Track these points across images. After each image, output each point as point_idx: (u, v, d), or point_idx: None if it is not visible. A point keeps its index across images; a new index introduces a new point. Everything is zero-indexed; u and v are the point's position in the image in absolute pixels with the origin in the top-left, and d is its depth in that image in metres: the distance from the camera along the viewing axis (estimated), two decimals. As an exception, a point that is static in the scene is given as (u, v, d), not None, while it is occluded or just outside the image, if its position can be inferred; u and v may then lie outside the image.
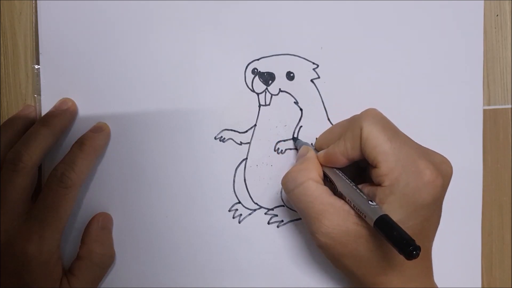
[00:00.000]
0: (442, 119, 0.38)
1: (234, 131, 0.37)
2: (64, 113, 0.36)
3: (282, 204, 0.37)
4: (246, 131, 0.37)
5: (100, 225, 0.36)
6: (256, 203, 0.37)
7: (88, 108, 0.37)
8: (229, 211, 0.37)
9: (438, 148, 0.37)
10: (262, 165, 0.37)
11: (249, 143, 0.37)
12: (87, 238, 0.35)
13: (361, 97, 0.37)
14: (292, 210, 0.37)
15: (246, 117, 0.37)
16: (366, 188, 0.32)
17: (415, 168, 0.29)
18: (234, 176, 0.37)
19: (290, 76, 0.37)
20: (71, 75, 0.36)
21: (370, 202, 0.29)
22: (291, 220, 0.38)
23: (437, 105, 0.38)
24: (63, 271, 0.34)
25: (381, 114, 0.32)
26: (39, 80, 0.36)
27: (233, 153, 0.37)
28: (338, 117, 0.37)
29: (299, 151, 0.35)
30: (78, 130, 0.36)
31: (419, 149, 0.31)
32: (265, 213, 0.37)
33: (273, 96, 0.37)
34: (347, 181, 0.32)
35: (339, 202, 0.31)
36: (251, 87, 0.37)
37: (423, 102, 0.38)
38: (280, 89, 0.37)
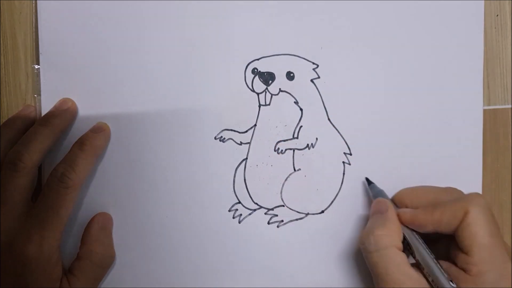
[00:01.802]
0: (442, 119, 0.38)
1: (234, 131, 0.37)
2: (64, 113, 0.36)
3: (282, 204, 0.37)
4: (246, 131, 0.37)
5: (100, 225, 0.36)
6: (256, 203, 0.37)
7: (88, 108, 0.37)
8: (229, 211, 0.37)
9: (438, 148, 0.37)
10: (262, 165, 0.37)
11: (249, 143, 0.37)
12: (87, 238, 0.35)
13: (361, 97, 0.37)
14: (292, 210, 0.37)
15: (246, 117, 0.37)
16: (445, 265, 0.32)
17: (505, 271, 0.30)
18: (234, 176, 0.37)
19: (290, 76, 0.37)
20: (71, 75, 0.36)
21: (451, 283, 0.30)
22: (291, 220, 0.38)
23: (437, 105, 0.38)
24: (63, 271, 0.34)
25: (488, 205, 0.32)
26: (39, 80, 0.36)
27: (233, 153, 0.37)
28: (338, 117, 0.37)
29: (376, 204, 0.35)
30: (78, 130, 0.36)
31: (508, 248, 0.31)
32: (265, 213, 0.37)
33: (273, 96, 0.37)
34: (427, 251, 0.32)
35: (416, 275, 0.31)
36: (251, 87, 0.37)
37: (423, 102, 0.38)
38: (280, 89, 0.37)
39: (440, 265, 0.31)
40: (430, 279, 0.31)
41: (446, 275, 0.30)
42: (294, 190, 0.37)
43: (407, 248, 0.33)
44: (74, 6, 0.36)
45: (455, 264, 0.31)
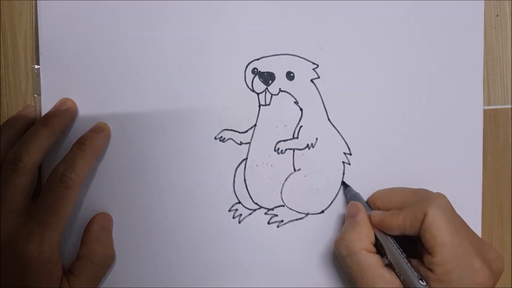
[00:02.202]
0: (442, 119, 0.38)
1: (234, 131, 0.37)
2: (64, 113, 0.36)
3: (282, 204, 0.37)
4: (246, 131, 0.37)
5: (100, 225, 0.36)
6: (256, 203, 0.37)
7: (88, 108, 0.37)
8: (229, 211, 0.37)
9: (438, 148, 0.37)
10: (262, 165, 0.37)
11: (249, 143, 0.37)
12: (87, 238, 0.35)
13: (361, 97, 0.37)
14: (292, 210, 0.38)
15: (246, 117, 0.37)
16: (415, 262, 0.32)
17: (470, 267, 0.30)
18: (234, 176, 0.37)
19: (290, 76, 0.37)
20: (71, 75, 0.36)
21: (420, 282, 0.30)
22: (291, 220, 0.38)
23: (437, 105, 0.38)
24: (63, 271, 0.34)
25: (449, 204, 0.32)
26: (39, 80, 0.36)
27: (233, 153, 0.37)
28: (338, 117, 0.37)
29: (349, 209, 0.35)
30: (78, 130, 0.36)
31: (477, 244, 0.32)
32: (265, 213, 0.37)
33: (273, 96, 0.37)
34: (398, 251, 0.32)
35: (389, 275, 0.32)
36: (251, 87, 0.37)
37: (423, 102, 0.38)
38: (280, 89, 0.37)
39: (411, 265, 0.32)
40: (401, 279, 0.32)
41: (416, 274, 0.31)
42: (294, 190, 0.37)
43: (381, 249, 0.33)
44: (74, 6, 0.36)
45: (424, 263, 0.32)
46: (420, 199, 0.33)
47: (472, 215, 0.38)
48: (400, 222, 0.32)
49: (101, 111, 0.37)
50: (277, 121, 0.37)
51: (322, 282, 0.38)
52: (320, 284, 0.38)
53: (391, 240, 0.33)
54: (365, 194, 0.37)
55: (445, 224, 0.31)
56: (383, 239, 0.33)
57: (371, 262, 0.32)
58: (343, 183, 0.37)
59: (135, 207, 0.37)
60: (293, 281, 0.38)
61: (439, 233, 0.31)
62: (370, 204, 0.36)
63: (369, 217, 0.34)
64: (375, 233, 0.34)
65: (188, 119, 0.37)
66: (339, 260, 0.34)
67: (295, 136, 0.37)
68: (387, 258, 0.33)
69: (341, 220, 0.37)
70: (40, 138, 0.34)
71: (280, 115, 0.37)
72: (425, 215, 0.31)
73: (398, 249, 0.32)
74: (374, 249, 0.33)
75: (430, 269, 0.31)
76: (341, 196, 0.37)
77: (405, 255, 0.32)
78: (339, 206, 0.37)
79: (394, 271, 0.32)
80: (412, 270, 0.31)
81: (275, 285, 0.38)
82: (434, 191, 0.36)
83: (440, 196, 0.33)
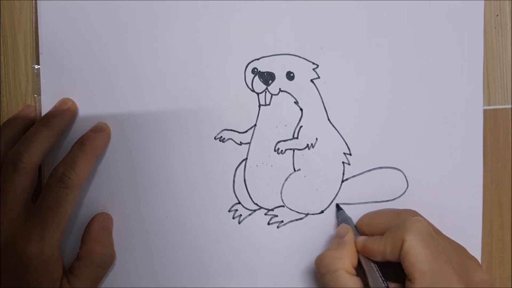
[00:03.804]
0: (442, 119, 0.38)
1: (234, 131, 0.37)
2: (64, 113, 0.36)
3: (282, 204, 0.37)
4: (246, 131, 0.37)
5: (100, 225, 0.36)
6: (256, 204, 0.37)
7: (88, 108, 0.37)
8: (229, 211, 0.37)
9: (438, 148, 0.37)
10: (262, 165, 0.37)
11: (249, 143, 0.37)
12: (87, 238, 0.35)
13: (361, 97, 0.37)
14: (292, 210, 0.37)
15: (246, 117, 0.37)
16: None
17: None
18: (234, 176, 0.37)
19: (290, 76, 0.37)
20: (71, 75, 0.36)
21: None
22: (291, 220, 0.38)
23: (437, 105, 0.38)
24: (63, 271, 0.34)
25: (427, 228, 0.31)
26: (39, 80, 0.36)
27: (233, 153, 0.37)
28: (338, 117, 0.37)
29: (338, 229, 0.35)
30: (78, 130, 0.36)
31: (461, 268, 0.31)
32: (265, 214, 0.37)
33: (273, 96, 0.37)
34: (380, 279, 0.31)
35: None
36: (251, 87, 0.37)
37: (423, 102, 0.37)
38: (280, 89, 0.37)
39: None
40: None
41: None
42: (294, 190, 0.37)
43: (362, 274, 0.33)
44: (74, 6, 0.36)
45: None
46: (398, 224, 0.32)
47: (472, 215, 0.38)
48: (381, 249, 0.32)
49: (101, 111, 0.37)
50: (277, 121, 0.37)
51: (322, 282, 0.38)
52: (320, 284, 0.38)
53: (374, 266, 0.32)
54: (364, 193, 0.37)
55: (422, 251, 0.30)
56: (366, 264, 0.33)
57: (348, 283, 0.31)
58: (336, 205, 0.37)
59: (135, 207, 0.37)
60: (293, 281, 0.38)
61: (417, 261, 0.30)
62: (358, 229, 0.36)
63: (355, 243, 0.34)
64: (359, 258, 0.33)
65: (188, 119, 0.37)
66: (318, 279, 0.34)
67: (295, 136, 0.37)
68: (369, 284, 0.32)
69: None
70: (40, 138, 0.34)
71: (280, 115, 0.37)
72: (402, 241, 0.30)
73: (380, 277, 0.32)
74: (354, 271, 0.32)
75: None
76: (341, 197, 0.37)
77: (387, 284, 0.31)
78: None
79: None
80: None
81: (275, 285, 0.37)
82: (434, 191, 0.36)
83: (417, 221, 0.31)
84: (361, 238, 0.34)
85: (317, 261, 0.33)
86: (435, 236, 0.31)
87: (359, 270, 0.33)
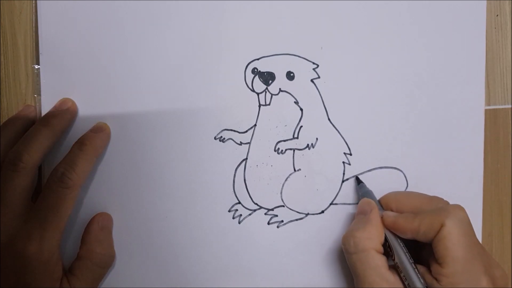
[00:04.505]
0: (443, 119, 0.38)
1: (234, 131, 0.37)
2: (64, 113, 0.36)
3: (282, 204, 0.37)
4: (246, 131, 0.37)
5: (100, 225, 0.36)
6: (256, 203, 0.37)
7: (88, 108, 0.37)
8: (229, 211, 0.37)
9: (439, 148, 0.37)
10: (262, 165, 0.37)
11: (249, 143, 0.37)
12: (87, 238, 0.35)
13: (361, 97, 0.37)
14: (292, 210, 0.37)
15: (246, 117, 0.37)
16: (421, 269, 0.32)
17: (477, 283, 0.30)
18: (234, 176, 0.37)
19: (290, 76, 0.37)
20: (71, 75, 0.36)
21: None
22: (291, 220, 0.38)
23: (439, 105, 0.38)
24: (63, 271, 0.34)
25: (467, 218, 0.32)
26: (39, 80, 0.36)
27: (233, 153, 0.37)
28: (338, 117, 0.37)
29: (361, 205, 0.35)
30: (78, 130, 0.36)
31: (487, 262, 0.31)
32: (265, 214, 0.37)
33: (273, 96, 0.37)
34: (407, 255, 0.32)
35: (393, 278, 0.32)
36: (251, 87, 0.37)
37: (424, 102, 0.37)
38: (280, 89, 0.37)
39: (418, 271, 0.32)
40: (406, 283, 0.31)
41: (422, 281, 0.31)
42: (294, 190, 0.37)
43: (388, 250, 0.33)
44: (74, 6, 0.36)
45: (430, 272, 0.32)
46: (438, 208, 0.33)
47: (472, 215, 0.38)
48: (414, 227, 0.32)
49: (101, 111, 0.37)
50: (277, 121, 0.37)
51: (322, 282, 0.38)
52: (320, 285, 0.38)
53: (400, 243, 0.33)
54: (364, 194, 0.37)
55: (460, 239, 0.31)
56: (392, 241, 0.33)
57: (378, 263, 0.32)
58: (356, 178, 0.37)
59: (135, 207, 0.37)
60: (293, 281, 0.38)
61: (453, 247, 0.30)
62: (382, 204, 0.36)
63: (381, 217, 0.34)
64: (385, 234, 0.33)
65: (188, 119, 0.37)
66: (344, 256, 0.34)
67: (295, 136, 0.37)
68: (393, 260, 0.33)
69: (341, 221, 0.37)
70: (40, 138, 0.34)
71: (280, 115, 0.37)
72: (442, 225, 0.31)
73: (406, 254, 0.32)
74: (382, 249, 0.33)
75: (436, 279, 0.31)
76: (341, 197, 0.37)
77: (413, 261, 0.32)
78: (339, 206, 0.37)
79: (398, 274, 0.32)
80: (419, 277, 0.31)
81: (275, 285, 0.37)
82: (434, 190, 0.36)
83: (459, 209, 0.32)
84: (391, 214, 0.34)
85: (345, 240, 0.33)
86: (472, 227, 0.32)
87: (385, 246, 0.33)
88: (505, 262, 0.39)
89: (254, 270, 0.37)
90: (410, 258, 0.32)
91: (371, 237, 0.33)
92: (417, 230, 0.32)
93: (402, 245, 0.33)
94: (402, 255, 0.32)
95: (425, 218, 0.32)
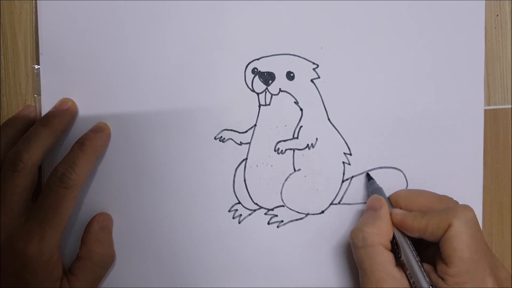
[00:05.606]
0: (443, 119, 0.38)
1: (234, 131, 0.37)
2: (64, 113, 0.36)
3: (282, 204, 0.37)
4: (246, 131, 0.37)
5: (100, 225, 0.36)
6: (256, 204, 0.37)
7: (88, 108, 0.37)
8: (229, 211, 0.37)
9: (438, 148, 0.37)
10: (262, 165, 0.37)
11: (249, 143, 0.37)
12: (87, 238, 0.35)
13: (361, 97, 0.37)
14: (292, 210, 0.37)
15: (246, 117, 0.37)
16: (427, 267, 0.32)
17: (482, 284, 0.30)
18: (234, 176, 0.37)
19: (290, 76, 0.37)
20: (71, 75, 0.36)
21: None
22: (291, 220, 0.38)
23: (438, 105, 0.38)
24: (63, 271, 0.34)
25: (475, 219, 0.32)
26: (39, 80, 0.36)
27: (233, 153, 0.37)
28: (338, 117, 0.37)
29: (371, 201, 0.35)
30: (78, 130, 0.36)
31: (493, 263, 0.32)
32: (265, 214, 0.37)
33: (273, 96, 0.37)
34: (413, 253, 0.32)
35: (399, 275, 0.32)
36: (251, 87, 0.37)
37: (423, 102, 0.37)
38: (280, 89, 0.37)
39: (424, 269, 0.32)
40: (412, 281, 0.32)
41: (428, 279, 0.31)
42: (294, 190, 0.37)
43: (395, 247, 0.33)
44: (74, 6, 0.36)
45: (436, 270, 0.32)
46: (446, 208, 0.33)
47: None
48: (422, 226, 0.32)
49: (101, 111, 0.37)
50: (277, 121, 0.37)
51: (322, 282, 0.38)
52: (320, 284, 0.38)
53: (408, 241, 0.33)
54: (365, 193, 0.37)
55: (468, 239, 0.31)
56: (400, 239, 0.33)
57: (385, 259, 0.32)
58: (367, 175, 0.37)
59: (135, 207, 0.37)
60: (293, 281, 0.38)
61: (460, 247, 0.30)
62: (391, 202, 0.36)
63: (390, 214, 0.34)
64: (393, 232, 0.33)
65: (188, 119, 0.37)
66: (352, 250, 0.34)
67: (295, 136, 0.37)
68: (400, 257, 0.33)
69: (341, 221, 0.37)
70: (40, 138, 0.34)
71: (280, 115, 0.37)
72: (449, 225, 0.31)
73: (413, 252, 0.32)
74: (390, 246, 0.33)
75: (441, 278, 0.31)
76: (341, 197, 0.37)
77: (419, 259, 0.32)
78: (339, 206, 0.37)
79: (404, 272, 0.32)
80: (424, 275, 0.31)
81: (275, 285, 0.38)
82: (434, 190, 0.36)
83: (467, 209, 0.32)
84: (399, 212, 0.34)
85: (354, 235, 0.33)
86: (480, 228, 0.32)
87: (392, 243, 0.33)
88: (505, 262, 0.39)
89: (254, 270, 0.37)
90: (417, 257, 0.32)
91: (380, 233, 0.33)
92: (425, 230, 0.32)
93: (409, 243, 0.33)
94: (409, 253, 0.32)
95: (433, 218, 0.32)
